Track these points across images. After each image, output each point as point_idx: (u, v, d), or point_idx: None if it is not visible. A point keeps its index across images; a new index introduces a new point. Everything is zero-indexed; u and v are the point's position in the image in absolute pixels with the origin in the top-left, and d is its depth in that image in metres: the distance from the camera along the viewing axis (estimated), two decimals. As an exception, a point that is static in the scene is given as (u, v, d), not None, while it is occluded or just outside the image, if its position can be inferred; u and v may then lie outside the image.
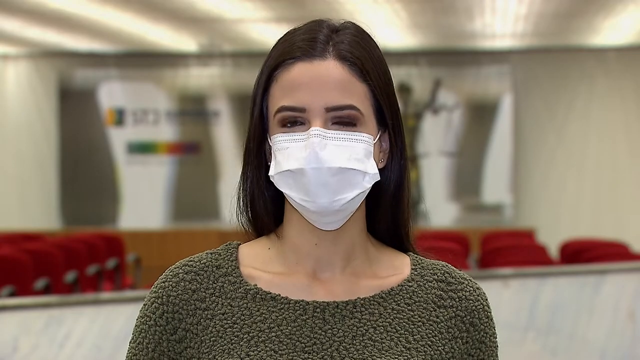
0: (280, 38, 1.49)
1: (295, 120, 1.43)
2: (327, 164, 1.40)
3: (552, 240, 10.79)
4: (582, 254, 7.84)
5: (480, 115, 12.96)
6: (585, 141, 12.88)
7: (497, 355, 1.54)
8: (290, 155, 1.42)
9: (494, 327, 1.54)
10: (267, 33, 11.35)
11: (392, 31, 11.53)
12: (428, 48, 12.97)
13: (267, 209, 1.51)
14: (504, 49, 12.91)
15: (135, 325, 1.51)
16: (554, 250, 9.80)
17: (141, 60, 13.34)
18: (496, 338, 1.54)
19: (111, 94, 13.26)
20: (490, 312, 1.54)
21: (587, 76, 12.89)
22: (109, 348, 4.36)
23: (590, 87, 12.90)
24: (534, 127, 12.94)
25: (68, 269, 8.26)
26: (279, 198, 1.50)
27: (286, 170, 1.42)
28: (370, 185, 1.45)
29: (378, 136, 1.47)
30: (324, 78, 1.43)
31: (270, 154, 1.47)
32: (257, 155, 1.49)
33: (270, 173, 1.45)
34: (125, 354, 1.52)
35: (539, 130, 12.93)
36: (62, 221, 13.25)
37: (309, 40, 1.45)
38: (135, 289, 9.04)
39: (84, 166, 13.26)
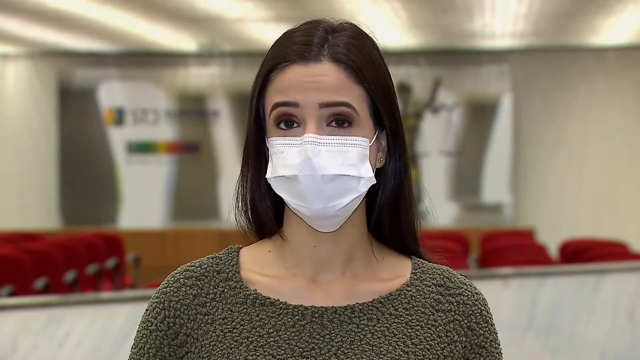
0: (277, 39, 1.49)
1: (291, 120, 1.43)
2: (320, 171, 1.40)
3: (552, 240, 10.78)
4: (581, 253, 7.83)
5: (480, 115, 12.95)
6: (584, 141, 12.88)
7: None
8: (285, 160, 1.42)
9: (494, 333, 1.53)
10: (267, 33, 11.35)
11: (391, 31, 11.53)
12: (428, 48, 12.97)
13: (268, 211, 1.51)
14: (504, 49, 12.91)
15: (137, 331, 1.51)
16: (553, 250, 9.79)
17: (141, 60, 13.34)
18: (499, 344, 1.53)
19: (111, 93, 13.26)
20: (489, 318, 1.53)
21: (586, 76, 12.88)
22: (108, 348, 4.36)
23: (589, 87, 12.90)
24: (534, 126, 12.94)
25: (68, 268, 8.26)
26: (280, 199, 1.49)
27: (281, 176, 1.42)
28: (366, 189, 1.45)
29: (375, 137, 1.46)
30: (318, 78, 1.43)
31: (269, 156, 1.47)
32: (256, 157, 1.49)
33: (267, 176, 1.45)
34: (126, 354, 1.52)
35: (538, 130, 12.93)
36: (61, 221, 13.25)
37: (304, 43, 1.44)
38: (134, 288, 9.03)
39: (83, 166, 13.26)
